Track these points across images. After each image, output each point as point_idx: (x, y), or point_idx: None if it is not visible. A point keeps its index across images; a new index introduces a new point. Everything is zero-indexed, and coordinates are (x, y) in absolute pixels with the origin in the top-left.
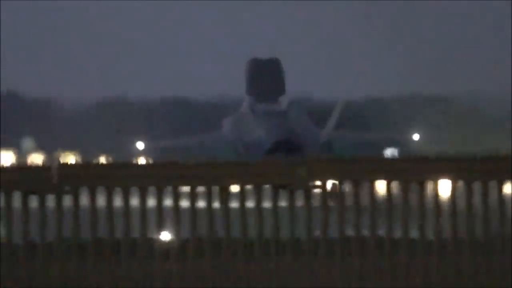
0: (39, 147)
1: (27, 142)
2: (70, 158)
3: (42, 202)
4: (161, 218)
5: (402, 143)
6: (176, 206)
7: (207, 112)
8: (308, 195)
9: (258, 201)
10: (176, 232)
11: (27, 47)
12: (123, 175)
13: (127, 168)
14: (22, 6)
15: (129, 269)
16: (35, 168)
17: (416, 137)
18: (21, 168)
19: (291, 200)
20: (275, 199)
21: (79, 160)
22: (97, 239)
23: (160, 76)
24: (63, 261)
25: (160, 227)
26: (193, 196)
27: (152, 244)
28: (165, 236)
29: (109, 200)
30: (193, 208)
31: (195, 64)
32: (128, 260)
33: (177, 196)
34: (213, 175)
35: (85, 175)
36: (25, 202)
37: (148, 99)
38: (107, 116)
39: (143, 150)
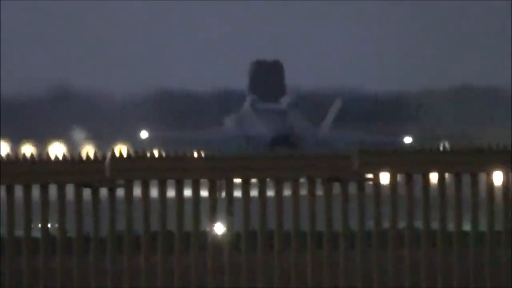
0: (90, 139)
1: (78, 134)
2: (123, 150)
3: (95, 195)
4: (214, 211)
5: (396, 144)
6: (230, 198)
7: (207, 106)
8: (361, 188)
9: (311, 193)
10: (230, 224)
11: (77, 41)
12: (177, 167)
13: (181, 160)
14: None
15: (183, 262)
16: (88, 160)
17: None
18: (73, 159)
19: (344, 193)
20: (328, 192)
21: (132, 152)
22: (150, 232)
23: (163, 70)
24: (116, 254)
25: (214, 220)
26: (245, 188)
27: (206, 237)
28: (219, 228)
29: (162, 193)
30: (245, 202)
31: (200, 58)
32: (182, 253)
33: (230, 188)
34: (267, 167)
35: (138, 168)
36: (78, 195)
37: (148, 92)
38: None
39: (146, 139)
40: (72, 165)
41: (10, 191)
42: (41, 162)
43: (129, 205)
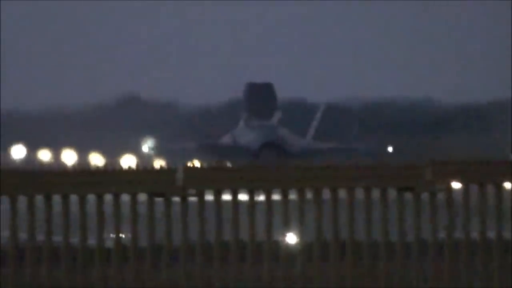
0: (161, 149)
1: (150, 144)
2: (194, 161)
3: (168, 205)
4: (287, 220)
5: (377, 154)
6: (301, 208)
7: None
8: (432, 198)
9: (384, 202)
10: (301, 234)
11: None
12: (249, 178)
13: (252, 170)
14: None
15: (255, 272)
16: (160, 170)
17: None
18: (146, 170)
19: (417, 203)
20: (400, 201)
21: (203, 162)
22: (222, 242)
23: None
24: (188, 263)
25: (286, 229)
26: (318, 199)
27: (278, 247)
28: (291, 238)
29: (235, 202)
30: (319, 209)
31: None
32: (254, 263)
33: (302, 198)
34: (336, 176)
35: (210, 178)
36: (150, 204)
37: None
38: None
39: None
40: (145, 174)
41: (82, 200)
42: (114, 172)
43: (201, 214)
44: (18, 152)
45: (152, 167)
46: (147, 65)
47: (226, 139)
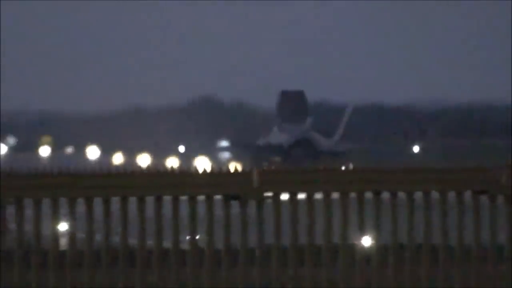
0: (236, 151)
1: (223, 145)
2: (272, 163)
3: (243, 207)
4: (362, 224)
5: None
6: (377, 212)
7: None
8: (507, 202)
9: (460, 206)
10: (377, 237)
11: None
12: (326, 180)
13: (330, 173)
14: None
15: (330, 275)
16: (236, 172)
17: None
18: (221, 172)
19: (493, 207)
20: (476, 205)
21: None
22: (298, 244)
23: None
24: (263, 266)
25: (362, 232)
26: (393, 202)
27: (353, 250)
28: (367, 241)
29: (310, 206)
30: (394, 214)
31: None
32: (329, 266)
33: (378, 202)
34: (413, 180)
35: (285, 180)
36: (226, 207)
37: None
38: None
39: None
40: (220, 177)
41: (159, 202)
42: (190, 174)
43: (277, 217)
44: (93, 153)
45: (228, 169)
46: (222, 65)
47: (260, 141)
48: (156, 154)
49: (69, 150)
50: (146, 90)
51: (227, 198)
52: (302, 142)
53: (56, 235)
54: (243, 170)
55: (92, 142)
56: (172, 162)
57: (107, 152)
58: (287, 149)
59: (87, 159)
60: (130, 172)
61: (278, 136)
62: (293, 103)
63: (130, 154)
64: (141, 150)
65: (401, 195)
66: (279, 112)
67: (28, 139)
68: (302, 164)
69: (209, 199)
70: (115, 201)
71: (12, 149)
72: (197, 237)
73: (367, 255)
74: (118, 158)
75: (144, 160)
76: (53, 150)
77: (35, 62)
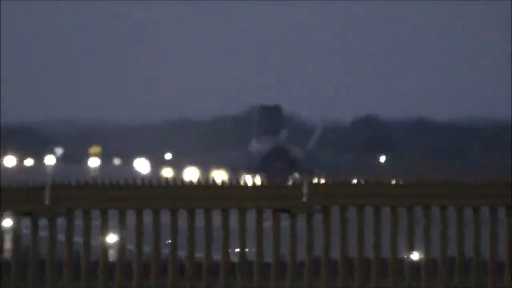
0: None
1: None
2: (320, 177)
3: (292, 220)
4: (411, 238)
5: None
6: (427, 227)
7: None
8: None
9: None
10: (427, 252)
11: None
12: (375, 193)
13: (378, 186)
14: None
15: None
16: (285, 186)
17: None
18: (271, 185)
19: None
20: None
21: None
22: (347, 257)
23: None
24: (312, 278)
25: (411, 247)
26: (443, 215)
27: (402, 263)
28: (415, 256)
29: (360, 219)
30: (444, 229)
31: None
32: (379, 278)
33: (428, 216)
34: (458, 193)
35: (334, 194)
36: (276, 219)
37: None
38: None
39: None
40: (270, 190)
41: (208, 215)
42: (239, 187)
43: (327, 230)
44: (141, 165)
45: (277, 182)
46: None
47: (240, 150)
48: (203, 166)
49: (117, 161)
50: (187, 102)
51: (277, 211)
52: (278, 151)
53: (105, 246)
54: (293, 183)
55: (140, 153)
56: (219, 176)
57: (155, 164)
58: (265, 156)
59: (135, 171)
60: (179, 184)
61: (256, 145)
62: (270, 118)
63: (179, 167)
64: (189, 163)
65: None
66: (258, 124)
67: (75, 150)
68: (279, 171)
69: (259, 212)
70: (164, 213)
71: (60, 160)
72: (246, 249)
73: (415, 268)
74: (167, 171)
75: (192, 173)
76: (101, 161)
77: (80, 74)
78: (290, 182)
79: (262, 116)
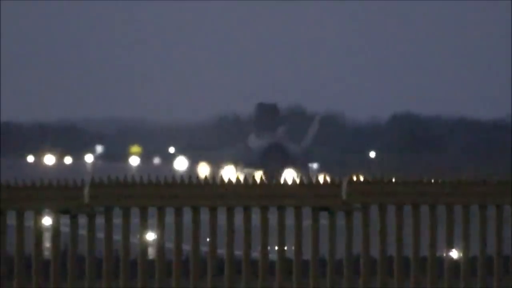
0: (325, 164)
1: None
2: (359, 175)
3: (331, 218)
4: (451, 236)
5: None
6: (466, 225)
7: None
8: None
9: None
10: (465, 249)
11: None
12: (414, 192)
13: (418, 184)
14: None
15: (419, 285)
16: (325, 185)
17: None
18: (310, 183)
19: None
20: None
21: (367, 176)
22: (386, 256)
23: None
24: (352, 276)
25: (450, 245)
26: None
27: (442, 262)
28: (454, 254)
29: (399, 217)
30: (483, 226)
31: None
32: (417, 277)
33: (467, 214)
34: (497, 191)
35: (373, 192)
36: (315, 218)
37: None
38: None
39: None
40: (309, 188)
41: (247, 213)
42: (279, 185)
43: (366, 229)
44: (181, 163)
45: (316, 181)
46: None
47: (239, 145)
48: (238, 164)
49: (157, 160)
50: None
51: (315, 210)
52: (275, 147)
53: (144, 245)
54: (332, 181)
55: (179, 152)
56: (229, 171)
57: (194, 162)
58: (263, 151)
59: (174, 169)
60: (219, 182)
61: (255, 141)
62: (268, 115)
63: (215, 164)
64: (227, 160)
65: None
66: (256, 121)
67: (116, 149)
68: (276, 166)
69: (298, 210)
70: (203, 211)
71: (100, 158)
72: (285, 247)
73: (455, 267)
74: (204, 169)
75: (229, 170)
76: (141, 160)
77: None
78: (323, 179)
79: (259, 114)
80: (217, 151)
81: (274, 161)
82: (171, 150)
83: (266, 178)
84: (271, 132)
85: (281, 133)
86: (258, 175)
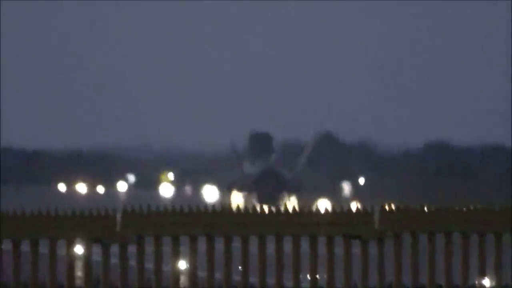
0: (357, 192)
1: (347, 187)
2: (391, 204)
3: (364, 247)
4: (483, 264)
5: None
6: (498, 254)
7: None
8: None
9: None
10: (498, 278)
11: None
12: (445, 219)
13: (448, 212)
14: None
15: None
16: (357, 213)
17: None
18: (342, 211)
19: None
20: None
21: (401, 205)
22: (419, 284)
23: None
24: None
25: (483, 273)
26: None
27: None
28: (486, 282)
29: (431, 246)
30: None
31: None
32: None
33: (499, 244)
34: None
35: (406, 220)
36: (347, 246)
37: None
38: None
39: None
40: (342, 217)
41: (279, 241)
42: (311, 213)
43: (398, 257)
44: (210, 193)
45: (349, 209)
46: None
47: (235, 172)
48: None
49: (188, 188)
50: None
51: (348, 238)
52: (268, 173)
53: (176, 273)
54: (364, 209)
55: (210, 181)
56: (236, 196)
57: (223, 190)
58: (258, 176)
59: (204, 198)
60: (250, 210)
61: (249, 168)
62: (261, 144)
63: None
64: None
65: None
66: (249, 148)
67: (147, 176)
68: (269, 190)
69: (330, 238)
70: (236, 240)
71: (132, 187)
72: (317, 276)
73: None
74: (235, 197)
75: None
76: (173, 187)
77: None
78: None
79: (253, 143)
80: (210, 176)
81: (268, 186)
82: (171, 176)
83: (260, 203)
84: (265, 159)
85: (274, 160)
86: (292, 202)
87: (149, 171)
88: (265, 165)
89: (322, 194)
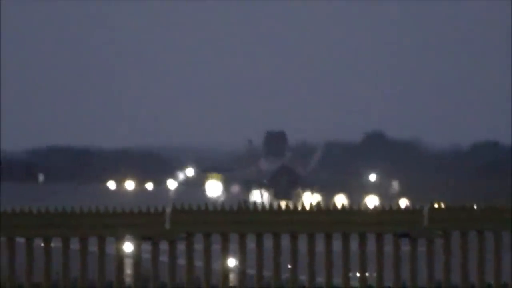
0: (404, 190)
1: (394, 185)
2: (438, 203)
3: (413, 245)
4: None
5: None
6: None
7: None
8: None
9: None
10: None
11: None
12: (494, 218)
13: (499, 211)
14: None
15: None
16: (406, 211)
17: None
18: (391, 209)
19: None
20: None
21: (448, 204)
22: (468, 283)
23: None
24: None
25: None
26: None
27: None
28: None
29: (481, 245)
30: None
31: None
32: None
33: None
34: None
35: (455, 219)
36: (396, 244)
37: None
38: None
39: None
40: (391, 215)
41: (328, 239)
42: (359, 212)
43: (447, 255)
44: (235, 190)
45: (398, 207)
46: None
47: (251, 168)
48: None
49: (236, 188)
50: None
51: (396, 236)
52: (284, 170)
53: (226, 271)
54: (413, 208)
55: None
56: (340, 199)
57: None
58: (273, 173)
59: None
60: (300, 208)
61: (265, 164)
62: (276, 142)
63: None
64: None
65: None
66: (265, 146)
67: (197, 175)
68: (285, 187)
69: (379, 236)
70: (284, 238)
71: (181, 185)
72: (367, 274)
73: None
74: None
75: (309, 197)
76: (221, 186)
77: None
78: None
79: (268, 141)
80: (230, 172)
81: (283, 182)
82: (189, 172)
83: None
84: (280, 156)
85: (289, 157)
86: (339, 200)
87: (201, 170)
88: (281, 162)
89: (336, 190)
